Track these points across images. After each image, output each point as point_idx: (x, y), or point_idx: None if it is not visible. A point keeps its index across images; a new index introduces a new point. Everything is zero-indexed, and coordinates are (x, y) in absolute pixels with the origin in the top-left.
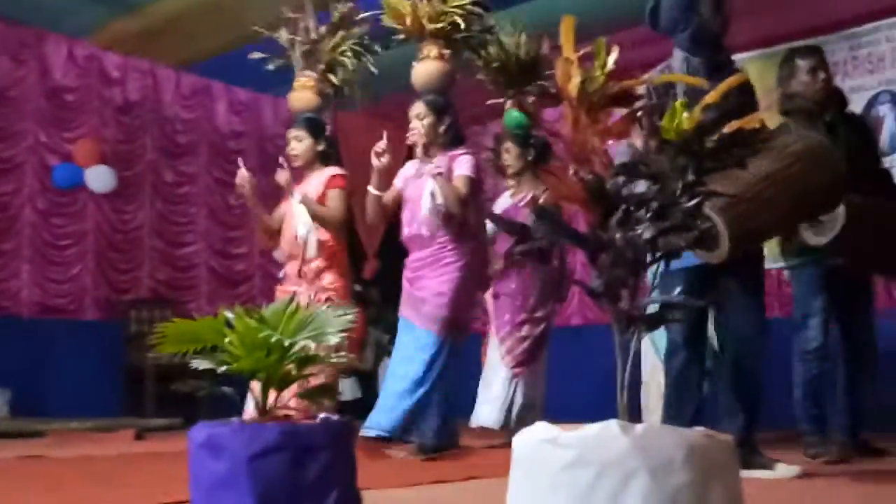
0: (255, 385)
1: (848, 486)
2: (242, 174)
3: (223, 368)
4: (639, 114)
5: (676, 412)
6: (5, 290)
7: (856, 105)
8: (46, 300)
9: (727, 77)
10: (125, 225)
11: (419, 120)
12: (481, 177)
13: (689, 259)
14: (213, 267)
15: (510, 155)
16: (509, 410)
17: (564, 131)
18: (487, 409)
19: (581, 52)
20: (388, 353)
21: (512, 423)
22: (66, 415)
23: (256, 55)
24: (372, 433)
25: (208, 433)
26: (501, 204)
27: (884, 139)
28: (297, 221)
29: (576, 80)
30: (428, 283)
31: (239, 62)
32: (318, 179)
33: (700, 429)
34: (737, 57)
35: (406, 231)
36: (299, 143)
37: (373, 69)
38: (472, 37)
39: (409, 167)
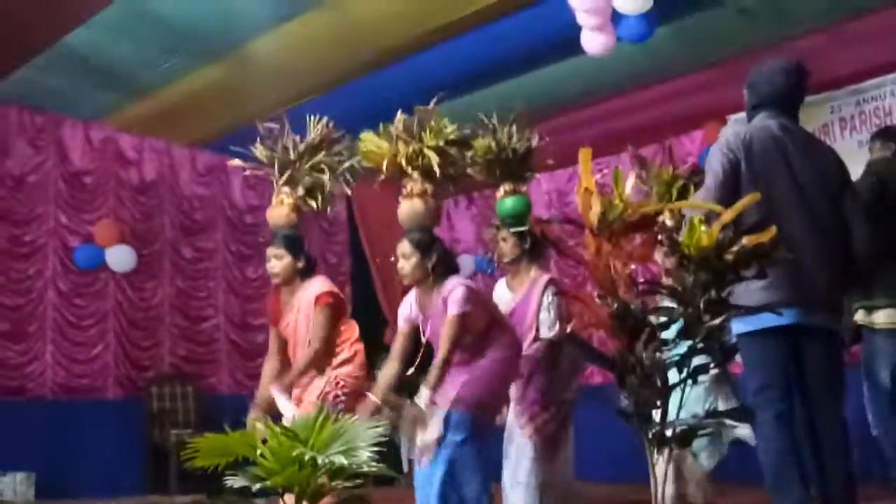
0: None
1: None
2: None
3: (258, 486)
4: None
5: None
6: (29, 373)
7: (864, 158)
8: (69, 381)
9: None
10: (145, 302)
11: (405, 259)
12: (474, 297)
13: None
14: (233, 340)
15: (506, 244)
16: (542, 493)
17: (587, 258)
18: (519, 494)
19: (598, 176)
20: None
21: None
22: (90, 495)
23: (237, 163)
24: None
25: None
26: (499, 294)
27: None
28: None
29: (596, 209)
30: (460, 375)
31: (253, 138)
32: (307, 298)
33: None
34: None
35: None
36: (279, 262)
37: (348, 191)
38: (454, 172)
39: (407, 306)
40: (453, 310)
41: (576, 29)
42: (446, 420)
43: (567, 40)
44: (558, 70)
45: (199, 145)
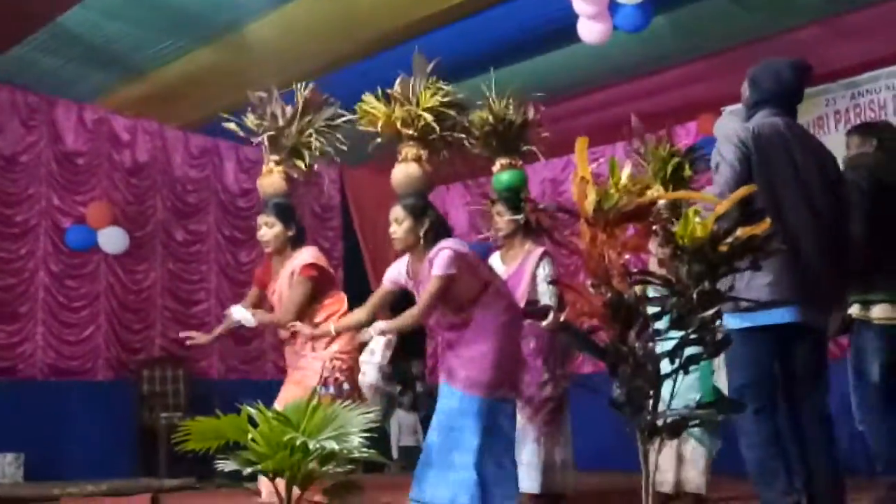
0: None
1: None
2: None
3: (249, 470)
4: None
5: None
6: (20, 354)
7: None
8: (59, 362)
9: None
10: (137, 285)
11: (398, 224)
12: (461, 260)
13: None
14: None
15: (501, 218)
16: (545, 473)
17: (582, 247)
18: (522, 474)
19: (594, 166)
20: (400, 405)
21: (552, 487)
22: (80, 477)
23: (231, 126)
24: None
25: None
26: (492, 266)
27: None
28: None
29: (592, 198)
30: (465, 350)
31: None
32: (292, 267)
33: None
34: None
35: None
36: (270, 230)
37: (342, 146)
38: (450, 136)
39: (395, 270)
40: (436, 271)
41: (572, 17)
42: (467, 405)
43: (563, 29)
44: (554, 58)
45: (193, 128)
